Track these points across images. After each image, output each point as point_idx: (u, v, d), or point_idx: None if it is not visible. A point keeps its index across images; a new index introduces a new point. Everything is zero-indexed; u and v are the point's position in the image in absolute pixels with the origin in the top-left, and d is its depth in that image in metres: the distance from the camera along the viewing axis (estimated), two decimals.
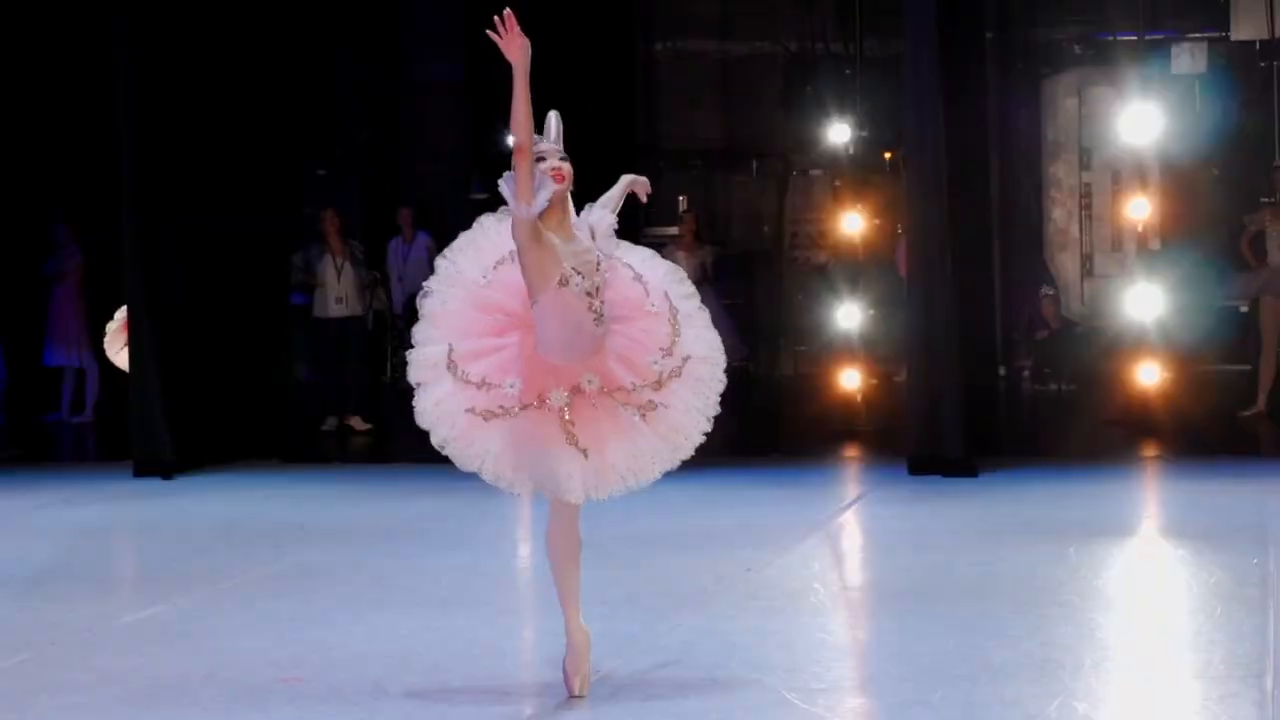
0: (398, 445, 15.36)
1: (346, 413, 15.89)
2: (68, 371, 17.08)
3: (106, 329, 13.03)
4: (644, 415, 6.27)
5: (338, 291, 15.91)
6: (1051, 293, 18.23)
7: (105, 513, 11.70)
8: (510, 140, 6.13)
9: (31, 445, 15.63)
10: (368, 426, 15.82)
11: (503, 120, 14.67)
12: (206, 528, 10.85)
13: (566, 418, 6.15)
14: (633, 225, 14.90)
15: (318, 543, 10.16)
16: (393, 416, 17.13)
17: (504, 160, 13.65)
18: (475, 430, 6.30)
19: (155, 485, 12.88)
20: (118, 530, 10.82)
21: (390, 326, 19.21)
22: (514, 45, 6.11)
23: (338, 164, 20.54)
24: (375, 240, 18.33)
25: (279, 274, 15.11)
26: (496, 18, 6.12)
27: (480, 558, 9.61)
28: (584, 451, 6.19)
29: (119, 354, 12.71)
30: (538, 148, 6.22)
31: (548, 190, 6.15)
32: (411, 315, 21.23)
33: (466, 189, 19.97)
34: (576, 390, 6.19)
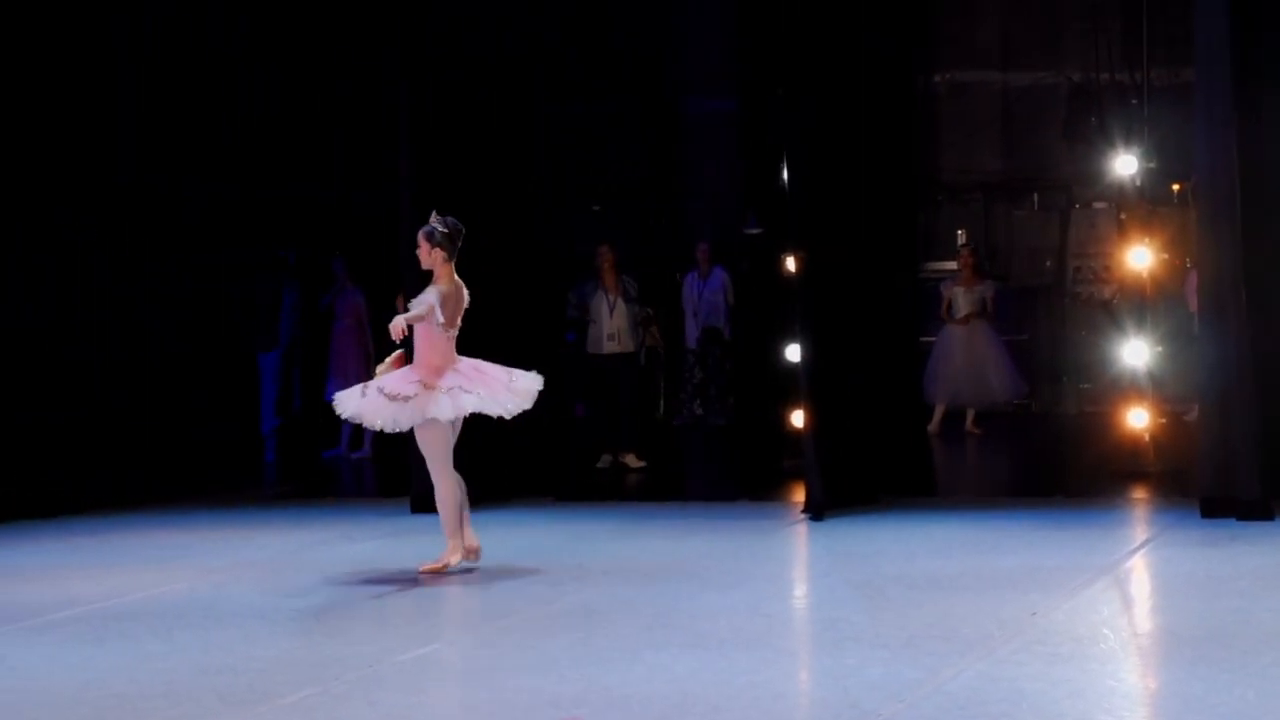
0: (673, 483, 15.43)
1: (621, 450, 16.00)
2: None
3: (377, 370, 13.36)
4: None
5: (610, 328, 16.02)
6: None
7: (384, 549, 11.93)
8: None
9: (311, 481, 16.02)
10: (642, 464, 15.90)
11: (777, 154, 14.74)
12: (482, 564, 10.91)
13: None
14: (909, 260, 14.89)
15: (594, 581, 10.25)
16: (667, 454, 17.23)
17: (780, 194, 13.59)
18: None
19: (432, 522, 12.86)
20: (396, 566, 11.01)
21: (681, 362, 19.38)
22: None
23: (612, 200, 20.78)
24: (647, 276, 18.50)
25: (554, 310, 15.29)
26: None
27: (759, 598, 9.60)
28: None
29: None
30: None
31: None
32: (705, 350, 21.37)
33: (741, 223, 20.05)
34: None
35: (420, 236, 10.74)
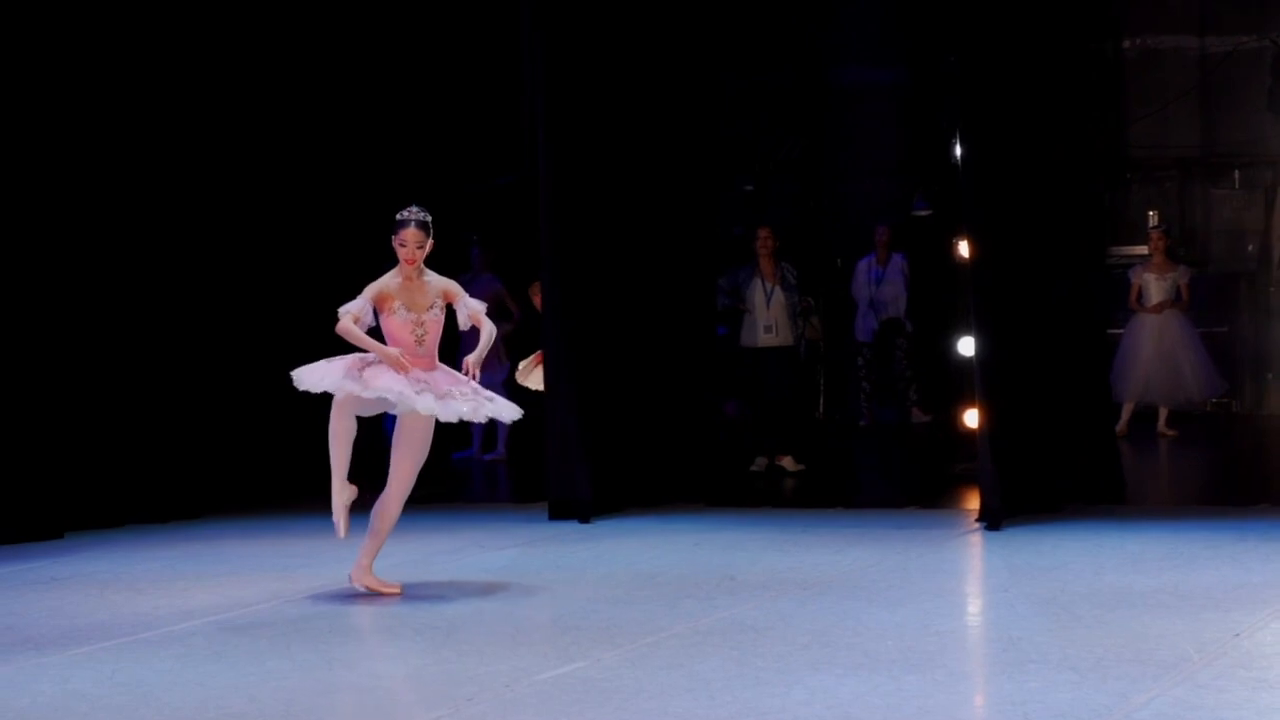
0: (834, 487, 15.37)
1: (777, 452, 15.96)
2: None
3: (519, 365, 13.50)
4: None
5: (767, 319, 15.95)
6: None
7: (520, 558, 11.99)
8: None
9: (443, 484, 16.11)
10: (800, 467, 15.85)
11: (948, 128, 14.62)
12: (627, 576, 11.02)
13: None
14: (1096, 244, 14.71)
15: (748, 595, 10.23)
16: (828, 456, 17.17)
17: (951, 173, 13.40)
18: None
19: (572, 529, 13.17)
20: (533, 577, 11.06)
21: (850, 357, 19.30)
22: None
23: (765, 179, 20.74)
24: (805, 262, 18.44)
25: (704, 300, 15.25)
26: None
27: (930, 614, 9.53)
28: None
29: (530, 376, 13.18)
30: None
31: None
32: (882, 345, 21.35)
33: (908, 205, 19.93)
34: None
35: (420, 231, 10.29)
